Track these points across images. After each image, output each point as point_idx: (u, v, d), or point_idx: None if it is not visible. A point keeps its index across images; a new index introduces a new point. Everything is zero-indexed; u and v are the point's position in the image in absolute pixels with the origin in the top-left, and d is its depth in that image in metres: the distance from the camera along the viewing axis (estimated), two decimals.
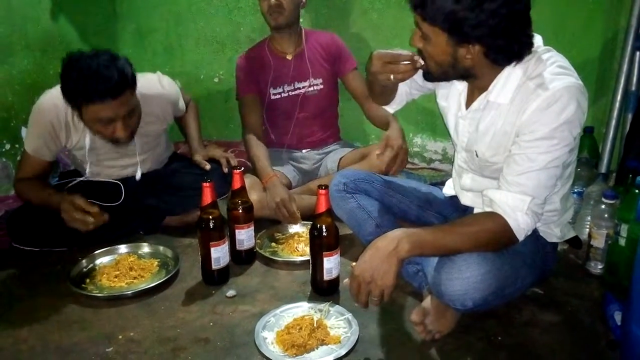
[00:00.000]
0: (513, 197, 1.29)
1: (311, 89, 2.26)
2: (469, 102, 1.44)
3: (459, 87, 1.48)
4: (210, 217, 1.64)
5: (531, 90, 1.28)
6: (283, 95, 2.26)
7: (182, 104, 2.15)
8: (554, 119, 1.25)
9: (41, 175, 1.94)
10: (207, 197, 1.63)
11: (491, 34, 1.22)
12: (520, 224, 1.29)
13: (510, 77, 1.32)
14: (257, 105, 2.26)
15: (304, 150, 2.34)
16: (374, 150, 2.02)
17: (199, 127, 2.26)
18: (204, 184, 1.63)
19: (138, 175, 2.03)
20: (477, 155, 1.45)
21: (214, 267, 1.68)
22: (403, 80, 1.43)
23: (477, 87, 1.40)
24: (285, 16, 2.13)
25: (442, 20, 1.23)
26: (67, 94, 1.68)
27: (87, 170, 1.98)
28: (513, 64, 1.31)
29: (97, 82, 1.59)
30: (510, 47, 1.27)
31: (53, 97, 1.81)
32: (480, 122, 1.41)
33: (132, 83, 1.70)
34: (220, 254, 1.68)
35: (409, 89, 1.63)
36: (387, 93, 1.62)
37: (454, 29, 1.23)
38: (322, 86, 2.26)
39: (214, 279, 1.71)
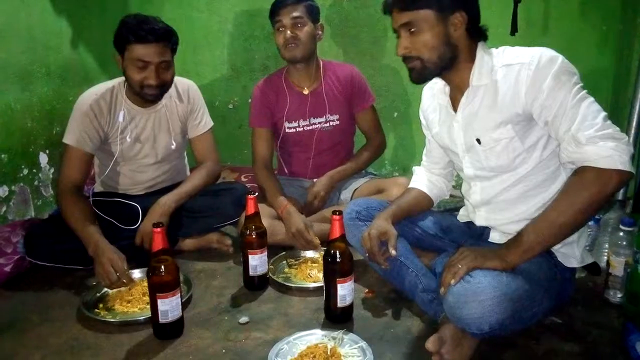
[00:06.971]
0: (585, 137, 1.27)
1: (327, 124, 2.23)
2: (455, 107, 1.53)
3: (442, 102, 1.57)
4: (163, 265, 1.48)
5: (517, 70, 1.37)
6: (298, 129, 2.24)
7: (203, 117, 2.22)
8: (550, 67, 1.33)
9: (83, 174, 1.98)
10: (158, 243, 1.47)
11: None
12: (610, 147, 1.25)
13: (482, 63, 1.43)
14: (268, 137, 2.25)
15: (315, 180, 2.30)
16: (390, 186, 2.05)
17: (194, 187, 2.09)
18: (155, 230, 1.47)
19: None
20: (479, 142, 1.48)
21: (160, 320, 1.51)
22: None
23: (458, 84, 1.49)
24: (301, 49, 2.10)
25: None
26: (118, 34, 1.91)
27: (117, 155, 2.06)
28: (481, 48, 1.45)
29: (147, 24, 1.88)
30: (479, 19, 1.45)
31: (91, 90, 2.03)
32: (470, 110, 1.48)
33: (174, 41, 1.97)
34: (168, 307, 1.51)
35: (446, 158, 1.74)
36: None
37: (438, 1, 1.37)
38: (338, 122, 2.24)
39: (165, 332, 1.54)
